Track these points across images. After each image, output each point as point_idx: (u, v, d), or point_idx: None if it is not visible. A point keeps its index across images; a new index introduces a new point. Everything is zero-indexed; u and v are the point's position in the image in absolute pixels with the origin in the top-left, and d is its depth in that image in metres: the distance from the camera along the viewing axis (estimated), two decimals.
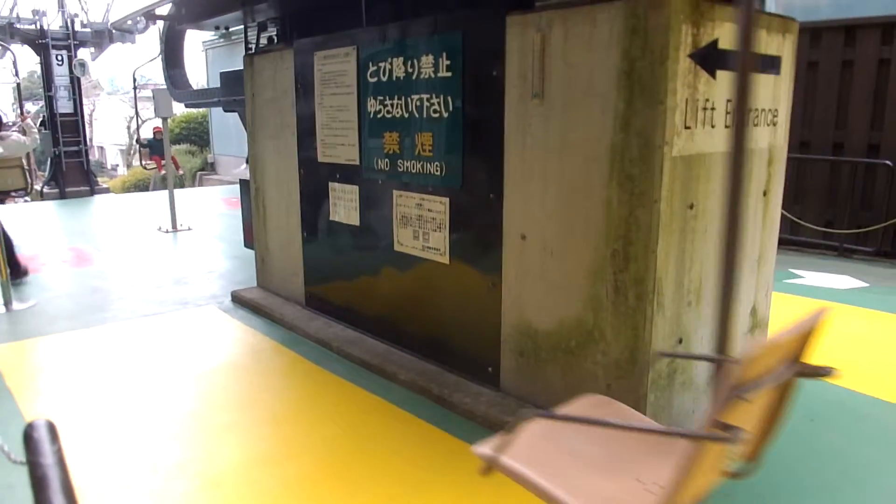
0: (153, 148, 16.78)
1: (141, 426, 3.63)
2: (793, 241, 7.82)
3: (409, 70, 3.97)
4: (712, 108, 2.99)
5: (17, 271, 6.50)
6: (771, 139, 3.46)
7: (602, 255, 3.07)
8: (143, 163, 18.37)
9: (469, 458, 3.23)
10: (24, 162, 7.52)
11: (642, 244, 2.91)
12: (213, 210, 11.94)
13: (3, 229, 6.03)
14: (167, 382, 4.21)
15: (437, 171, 3.91)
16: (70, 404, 3.92)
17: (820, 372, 1.90)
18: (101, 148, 37.64)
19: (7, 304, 5.78)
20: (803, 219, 7.77)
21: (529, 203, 3.39)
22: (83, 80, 14.82)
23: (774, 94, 3.40)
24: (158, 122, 12.43)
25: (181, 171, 17.37)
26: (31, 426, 1.37)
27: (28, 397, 4.00)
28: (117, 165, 37.06)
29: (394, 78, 4.10)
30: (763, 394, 1.81)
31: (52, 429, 1.39)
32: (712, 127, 3.01)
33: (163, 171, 16.63)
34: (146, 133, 17.17)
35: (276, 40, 5.92)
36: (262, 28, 6.13)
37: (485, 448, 1.90)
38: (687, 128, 2.87)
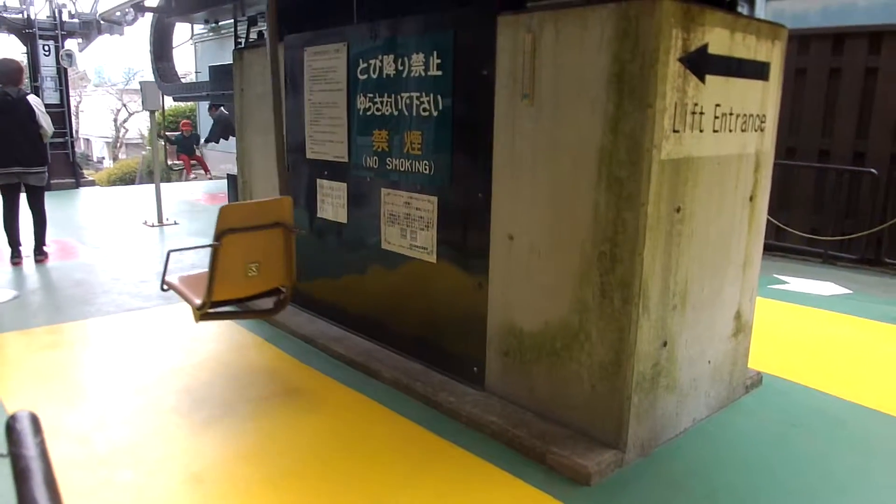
0: (181, 145, 16.33)
1: (123, 421, 3.60)
2: (778, 246, 7.88)
3: (400, 68, 3.96)
4: (701, 113, 3.00)
5: None
6: (758, 145, 3.48)
7: (589, 258, 3.08)
8: (170, 162, 17.69)
9: (454, 458, 3.25)
10: None
11: (629, 247, 2.92)
12: (198, 205, 11.86)
13: None
14: (150, 378, 4.17)
15: (425, 169, 3.90)
16: (51, 398, 3.88)
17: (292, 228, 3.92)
18: (88, 140, 37.29)
19: None
20: (789, 225, 7.82)
21: (517, 203, 3.39)
22: (70, 72, 14.67)
23: (762, 100, 3.42)
24: (145, 116, 12.31)
25: (210, 175, 16.82)
26: (14, 418, 1.35)
27: (9, 391, 3.95)
28: (103, 158, 36.71)
29: (384, 75, 4.09)
30: (262, 236, 3.79)
31: (34, 420, 1.37)
32: (700, 131, 3.02)
33: (192, 175, 16.28)
34: (133, 126, 16.87)
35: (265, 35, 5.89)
36: (252, 22, 6.10)
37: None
38: (675, 131, 2.88)
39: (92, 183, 15.73)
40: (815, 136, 7.91)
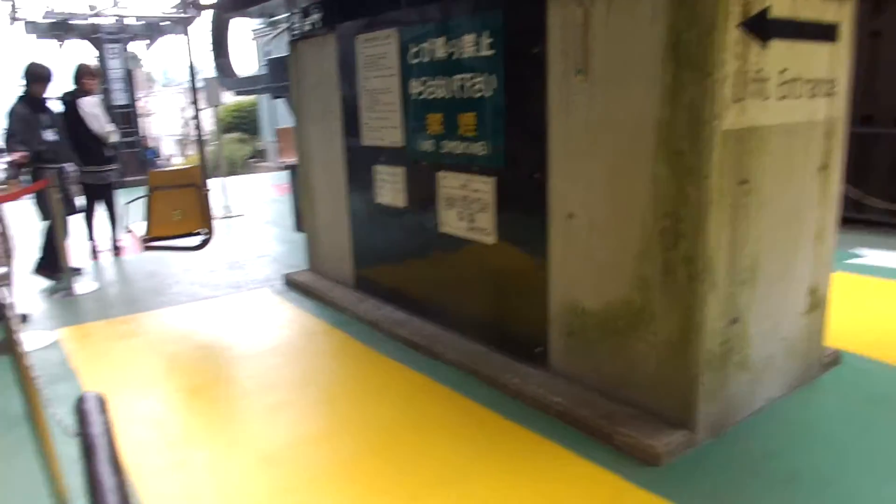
0: None
1: (195, 406, 3.72)
2: (856, 219, 7.51)
3: (450, 50, 3.93)
4: (765, 80, 2.87)
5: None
6: (828, 111, 3.31)
7: (650, 234, 3.00)
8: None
9: (520, 439, 3.24)
10: None
11: (692, 222, 2.83)
12: (264, 196, 12.12)
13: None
14: (222, 363, 4.31)
15: (480, 151, 3.87)
16: (129, 384, 4.05)
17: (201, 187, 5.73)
18: (157, 139, 38.55)
19: (71, 289, 5.98)
20: (868, 196, 7.44)
21: (575, 181, 3.33)
22: (137, 73, 15.16)
23: (832, 64, 3.25)
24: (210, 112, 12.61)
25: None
26: (82, 399, 1.40)
27: (90, 377, 4.14)
28: (173, 155, 37.91)
29: (435, 59, 4.07)
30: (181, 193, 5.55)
31: (101, 401, 1.42)
32: (765, 99, 2.89)
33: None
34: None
35: (319, 25, 5.94)
36: (305, 14, 6.15)
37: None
38: (737, 100, 2.76)
39: None
40: (894, 102, 7.48)
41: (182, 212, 5.58)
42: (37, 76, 6.31)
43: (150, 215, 5.50)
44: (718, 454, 2.97)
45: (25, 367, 2.05)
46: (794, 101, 3.06)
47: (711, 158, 2.72)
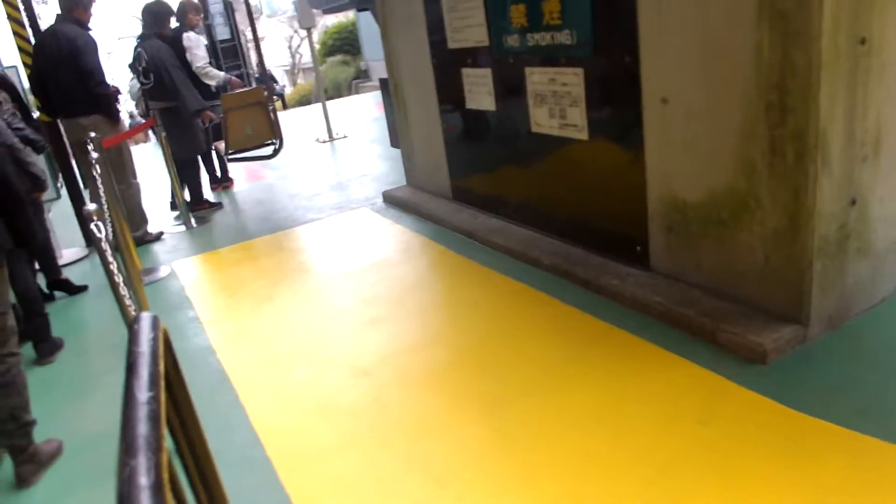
0: None
1: (299, 325, 3.82)
2: None
3: None
4: None
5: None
6: None
7: (754, 111, 2.69)
8: None
9: (617, 341, 3.11)
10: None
11: (801, 92, 2.50)
12: (368, 115, 12.17)
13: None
14: (322, 283, 4.40)
15: (567, 39, 3.60)
16: (235, 306, 4.23)
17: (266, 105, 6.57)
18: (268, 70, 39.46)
19: (186, 223, 6.28)
20: None
21: (669, 61, 3.03)
22: (241, 6, 15.32)
23: None
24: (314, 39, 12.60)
25: None
26: (136, 319, 1.41)
27: (204, 304, 4.35)
28: (284, 86, 38.80)
29: None
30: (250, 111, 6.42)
31: (154, 321, 1.42)
32: None
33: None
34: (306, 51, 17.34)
35: None
36: None
37: None
38: None
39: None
40: None
41: (253, 127, 6.47)
42: (164, 14, 6.45)
43: (226, 133, 6.30)
44: (834, 349, 2.72)
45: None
46: None
47: (822, 16, 2.37)
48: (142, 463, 0.95)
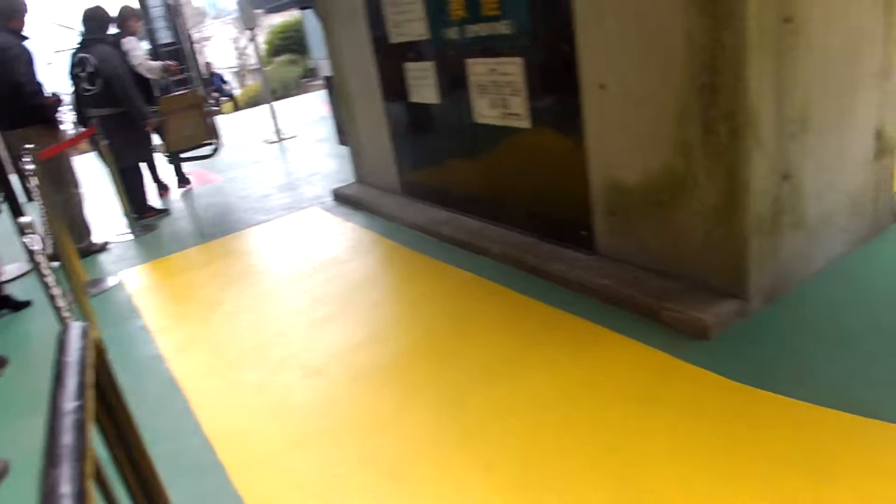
0: None
1: (249, 328, 3.77)
2: None
3: None
4: None
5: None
6: None
7: (687, 93, 2.74)
8: None
9: (566, 325, 3.14)
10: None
11: (731, 72, 2.56)
12: (316, 114, 12.06)
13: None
14: (273, 285, 4.35)
15: (506, 30, 3.62)
16: (185, 313, 4.16)
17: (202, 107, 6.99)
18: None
19: (133, 231, 6.12)
20: None
21: (605, 48, 3.07)
22: (185, 8, 14.99)
23: None
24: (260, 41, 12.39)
25: None
26: (64, 329, 1.39)
27: (153, 312, 4.26)
28: (232, 88, 38.18)
29: None
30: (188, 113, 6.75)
31: (84, 331, 1.41)
32: None
33: None
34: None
35: None
36: None
37: None
38: None
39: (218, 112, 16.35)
40: None
41: (193, 128, 6.86)
42: (107, 20, 6.29)
43: (166, 135, 6.62)
44: (773, 321, 2.80)
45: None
46: None
47: None
48: (64, 472, 0.93)
